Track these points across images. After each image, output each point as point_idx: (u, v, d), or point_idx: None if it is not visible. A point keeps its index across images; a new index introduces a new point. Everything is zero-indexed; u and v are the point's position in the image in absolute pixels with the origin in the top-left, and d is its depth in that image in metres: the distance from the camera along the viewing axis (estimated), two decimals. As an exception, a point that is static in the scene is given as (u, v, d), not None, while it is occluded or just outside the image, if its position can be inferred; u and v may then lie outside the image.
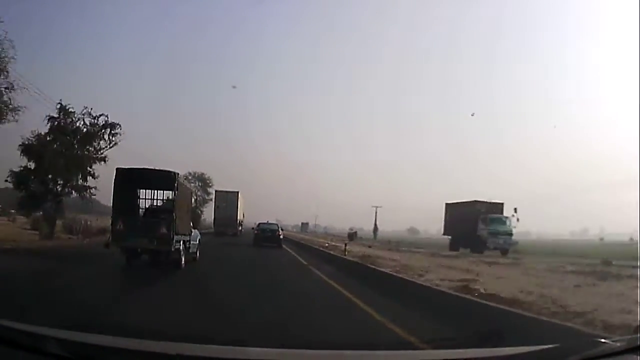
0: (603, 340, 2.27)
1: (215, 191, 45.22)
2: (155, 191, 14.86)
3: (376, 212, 75.40)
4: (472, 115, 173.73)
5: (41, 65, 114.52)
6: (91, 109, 23.24)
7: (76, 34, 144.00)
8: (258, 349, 2.59)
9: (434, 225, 70.60)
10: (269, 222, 33.25)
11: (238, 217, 41.56)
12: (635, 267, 15.13)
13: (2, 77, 17.60)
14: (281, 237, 29.44)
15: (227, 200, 40.76)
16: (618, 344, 2.22)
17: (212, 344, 2.56)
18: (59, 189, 22.90)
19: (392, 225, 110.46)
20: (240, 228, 42.96)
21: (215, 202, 43.08)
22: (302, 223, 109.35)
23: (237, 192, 41.60)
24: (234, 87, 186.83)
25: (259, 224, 31.57)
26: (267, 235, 28.84)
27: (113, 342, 2.26)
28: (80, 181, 23.29)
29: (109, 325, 4.46)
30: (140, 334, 2.76)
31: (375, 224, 74.74)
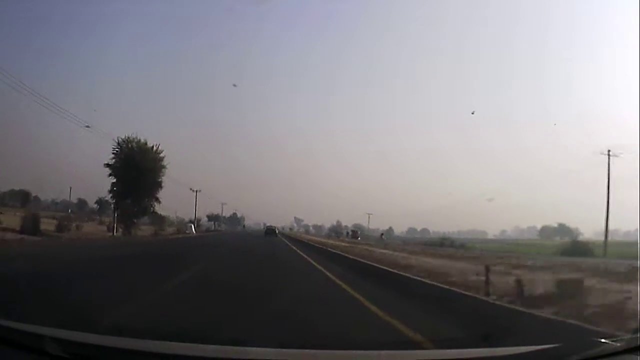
0: (603, 340, 2.27)
1: None
2: None
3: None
4: (472, 113, 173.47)
5: (41, 69, 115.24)
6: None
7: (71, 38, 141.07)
8: (257, 349, 2.58)
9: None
10: (271, 224, 75.61)
11: None
12: None
13: None
14: (277, 232, 67.27)
15: None
16: (618, 344, 2.22)
17: (212, 343, 2.55)
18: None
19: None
20: None
21: None
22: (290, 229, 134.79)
23: None
24: (234, 85, 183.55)
25: (267, 225, 77.49)
26: (270, 231, 63.64)
27: (113, 342, 2.26)
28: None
29: (109, 325, 4.46)
30: (140, 333, 2.76)
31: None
